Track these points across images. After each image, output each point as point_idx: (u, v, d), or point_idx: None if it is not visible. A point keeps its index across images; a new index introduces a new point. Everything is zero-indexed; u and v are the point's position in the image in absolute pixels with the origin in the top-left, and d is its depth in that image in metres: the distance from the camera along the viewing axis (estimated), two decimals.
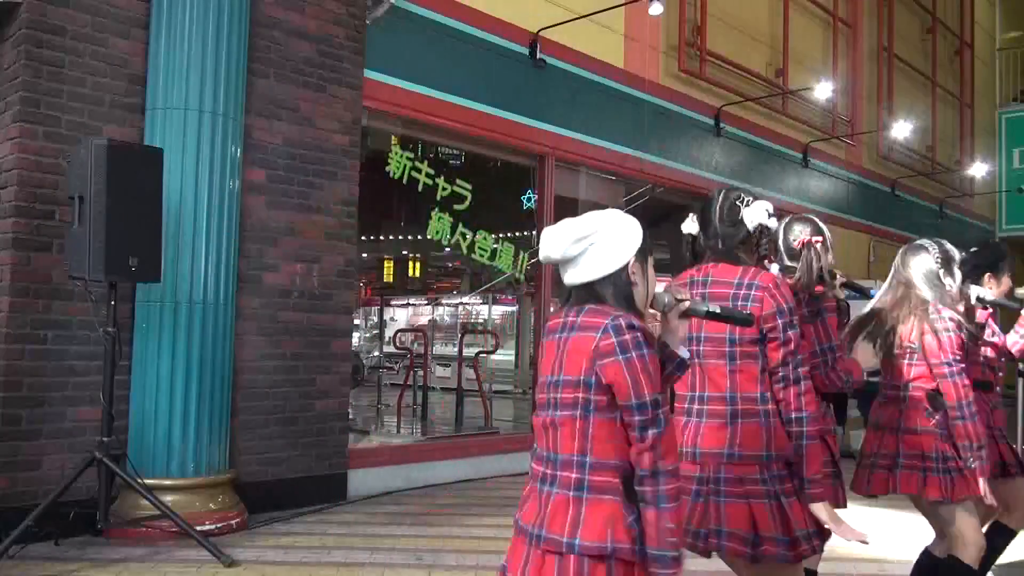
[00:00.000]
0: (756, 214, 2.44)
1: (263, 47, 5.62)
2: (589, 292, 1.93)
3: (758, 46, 10.82)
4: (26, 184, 4.71)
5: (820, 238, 2.84)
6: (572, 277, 1.95)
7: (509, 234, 8.62)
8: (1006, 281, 3.89)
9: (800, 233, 2.88)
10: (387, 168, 7.07)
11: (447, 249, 9.01)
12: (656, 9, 8.02)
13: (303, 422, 5.78)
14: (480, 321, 16.17)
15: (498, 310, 16.39)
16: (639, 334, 1.84)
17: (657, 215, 10.62)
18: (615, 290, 1.91)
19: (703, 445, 2.39)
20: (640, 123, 8.99)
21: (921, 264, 3.26)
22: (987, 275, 3.82)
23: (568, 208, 8.91)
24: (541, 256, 1.99)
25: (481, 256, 7.72)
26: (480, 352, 10.23)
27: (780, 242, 2.92)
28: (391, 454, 6.75)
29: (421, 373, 10.63)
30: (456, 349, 11.53)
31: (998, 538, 3.84)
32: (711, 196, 2.54)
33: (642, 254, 1.95)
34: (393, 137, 7.14)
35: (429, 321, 16.76)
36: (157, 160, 4.67)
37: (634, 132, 8.91)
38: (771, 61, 11.01)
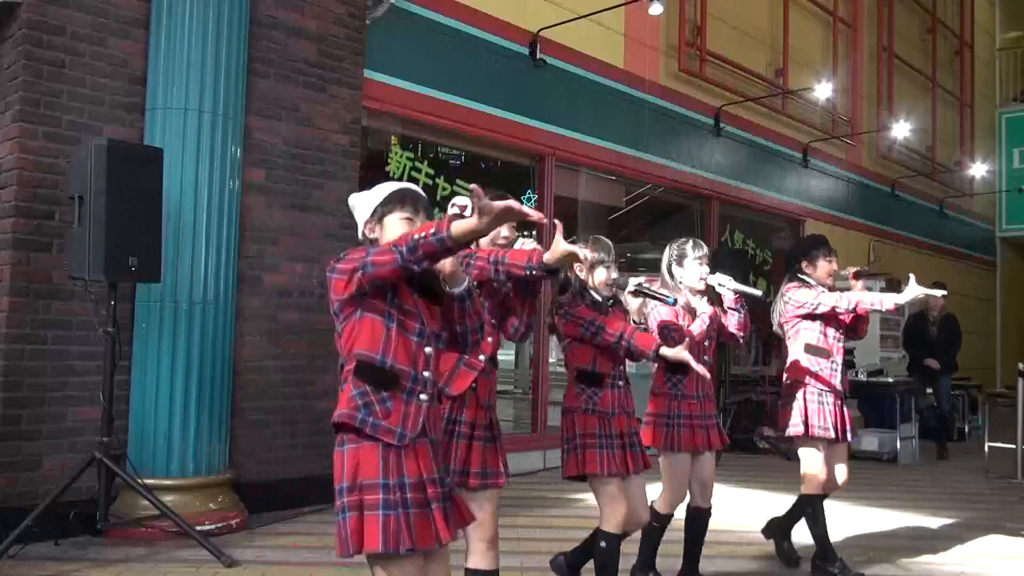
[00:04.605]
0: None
1: (263, 47, 5.62)
2: None
3: (758, 46, 10.81)
4: (26, 184, 4.71)
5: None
6: None
7: None
8: (822, 265, 4.31)
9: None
10: (387, 168, 7.06)
11: None
12: (656, 9, 8.03)
13: (303, 422, 5.77)
14: None
15: None
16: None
17: (657, 215, 10.64)
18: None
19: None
20: (640, 123, 8.99)
21: (664, 258, 3.98)
22: (803, 262, 4.32)
23: (568, 208, 8.92)
24: None
25: None
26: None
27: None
28: None
29: None
30: None
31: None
32: None
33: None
34: (393, 137, 7.13)
35: None
36: (157, 160, 4.67)
37: (634, 132, 8.90)
38: (771, 61, 11.01)
